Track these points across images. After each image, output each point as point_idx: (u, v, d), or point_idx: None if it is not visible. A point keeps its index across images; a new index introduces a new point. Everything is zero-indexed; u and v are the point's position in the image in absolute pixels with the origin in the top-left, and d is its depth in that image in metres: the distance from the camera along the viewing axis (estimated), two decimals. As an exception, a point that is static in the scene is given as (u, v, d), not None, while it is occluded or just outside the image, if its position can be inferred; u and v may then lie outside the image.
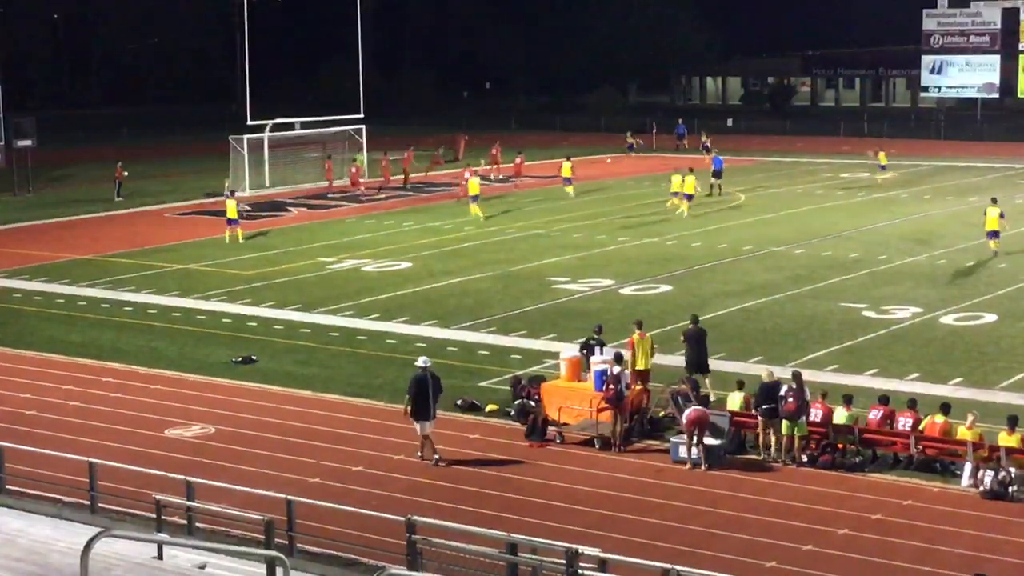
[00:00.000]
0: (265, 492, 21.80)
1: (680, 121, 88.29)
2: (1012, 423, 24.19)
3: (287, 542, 20.17)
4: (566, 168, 62.44)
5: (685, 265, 44.67)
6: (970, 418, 24.48)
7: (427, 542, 19.13)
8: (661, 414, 27.21)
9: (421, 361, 26.00)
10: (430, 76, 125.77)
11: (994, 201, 46.90)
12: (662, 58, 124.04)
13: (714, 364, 30.87)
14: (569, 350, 29.51)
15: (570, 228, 53.15)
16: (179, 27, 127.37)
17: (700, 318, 30.68)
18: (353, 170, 65.87)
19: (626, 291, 40.55)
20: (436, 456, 25.41)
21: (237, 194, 55.13)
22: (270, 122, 68.40)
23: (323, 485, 24.04)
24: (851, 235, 49.37)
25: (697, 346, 29.51)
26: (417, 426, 25.58)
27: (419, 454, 25.64)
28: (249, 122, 67.62)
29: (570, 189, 62.06)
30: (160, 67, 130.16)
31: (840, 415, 25.44)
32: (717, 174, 61.87)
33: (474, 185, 56.10)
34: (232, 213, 50.37)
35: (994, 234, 45.45)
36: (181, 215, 60.15)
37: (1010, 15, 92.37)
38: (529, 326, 36.09)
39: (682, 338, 30.02)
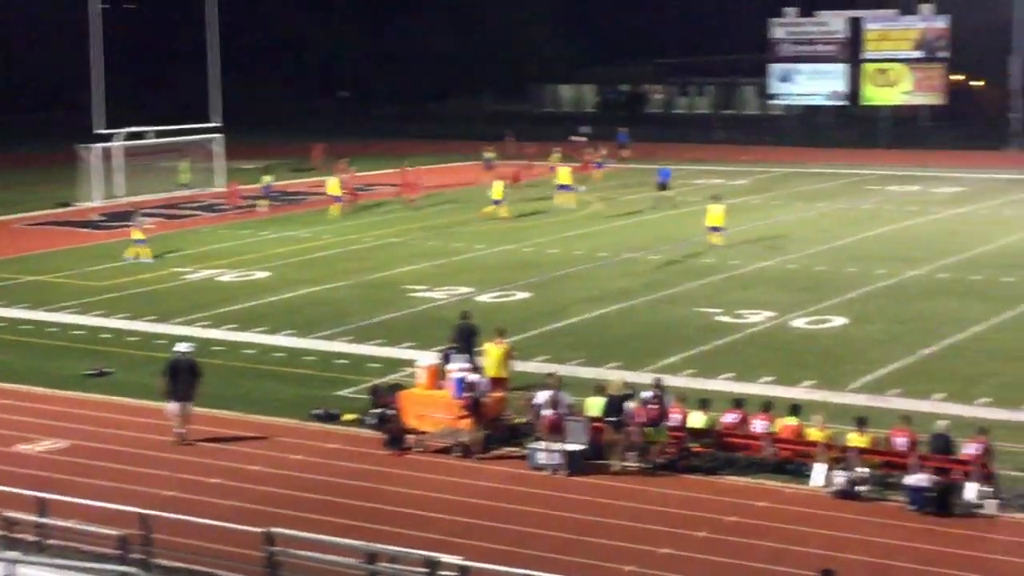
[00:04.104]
0: (120, 507, 21.42)
1: (623, 129, 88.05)
2: (861, 424, 24.77)
3: (143, 557, 19.86)
4: (563, 173, 61.25)
5: (542, 272, 44.93)
6: (818, 419, 25.02)
7: (286, 554, 18.99)
8: (520, 421, 27.31)
9: (182, 346, 27.89)
10: (287, 84, 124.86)
11: (716, 199, 50.17)
12: (517, 66, 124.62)
13: (572, 370, 31.11)
14: (427, 358, 29.52)
15: (427, 236, 53.16)
16: (27, 33, 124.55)
17: (562, 323, 30.85)
18: (347, 176, 63.12)
19: (484, 298, 40.67)
20: (182, 432, 27.01)
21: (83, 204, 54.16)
22: (123, 131, 67.31)
23: (180, 498, 23.73)
24: (705, 241, 50.01)
25: (465, 342, 29.68)
26: (169, 406, 27.17)
27: (177, 432, 26.93)
28: (101, 131, 66.44)
29: (571, 197, 60.62)
30: (4, 74, 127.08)
31: (697, 419, 25.78)
32: (662, 186, 60.71)
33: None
34: (138, 235, 48.64)
35: (716, 229, 48.27)
36: (31, 226, 58.94)
37: (854, 24, 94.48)
38: (387, 334, 36.03)
39: (452, 334, 30.20)
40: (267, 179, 63.22)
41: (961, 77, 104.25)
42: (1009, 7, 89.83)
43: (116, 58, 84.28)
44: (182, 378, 27.25)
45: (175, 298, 41.65)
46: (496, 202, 56.67)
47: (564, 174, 61.15)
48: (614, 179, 69.11)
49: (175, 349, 28.01)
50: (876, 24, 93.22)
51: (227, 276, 45.18)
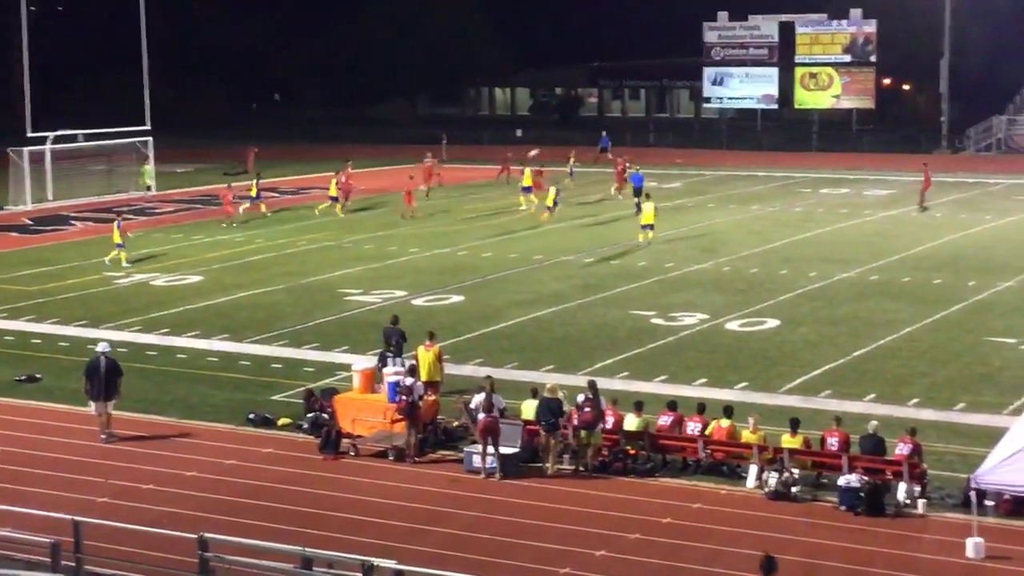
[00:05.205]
0: (51, 513, 21.22)
1: (604, 133, 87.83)
2: (794, 425, 24.99)
3: (75, 564, 19.69)
4: (527, 175, 61.16)
5: (476, 275, 44.95)
6: (751, 421, 25.21)
7: (220, 559, 18.89)
8: (455, 424, 27.33)
9: (100, 347, 28.33)
10: (219, 87, 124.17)
11: (648, 197, 51.91)
12: (452, 69, 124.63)
13: (506, 373, 31.16)
14: (362, 362, 29.47)
15: (361, 240, 53.04)
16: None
17: (497, 327, 30.91)
18: (343, 178, 62.03)
19: (418, 302, 40.64)
20: (108, 433, 27.48)
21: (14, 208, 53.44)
22: (52, 134, 66.69)
23: (112, 504, 23.55)
24: (639, 243, 50.20)
25: (395, 347, 30.05)
26: (92, 406, 27.68)
27: (102, 436, 27.28)
28: (30, 134, 65.75)
29: (534, 199, 60.13)
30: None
31: (631, 422, 25.89)
32: (638, 192, 58.48)
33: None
34: (118, 238, 48.10)
35: (649, 227, 49.75)
36: (-44, 230, 58.26)
37: (786, 28, 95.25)
38: (322, 338, 35.92)
39: (382, 338, 30.81)
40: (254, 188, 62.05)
41: (890, 81, 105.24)
42: (940, 11, 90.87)
43: (47, 61, 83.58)
44: (103, 377, 27.49)
45: (107, 303, 41.31)
46: (549, 208, 56.40)
47: (528, 176, 61.30)
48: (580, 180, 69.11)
49: (96, 349, 28.34)
50: (807, 28, 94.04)
51: (160, 280, 44.87)
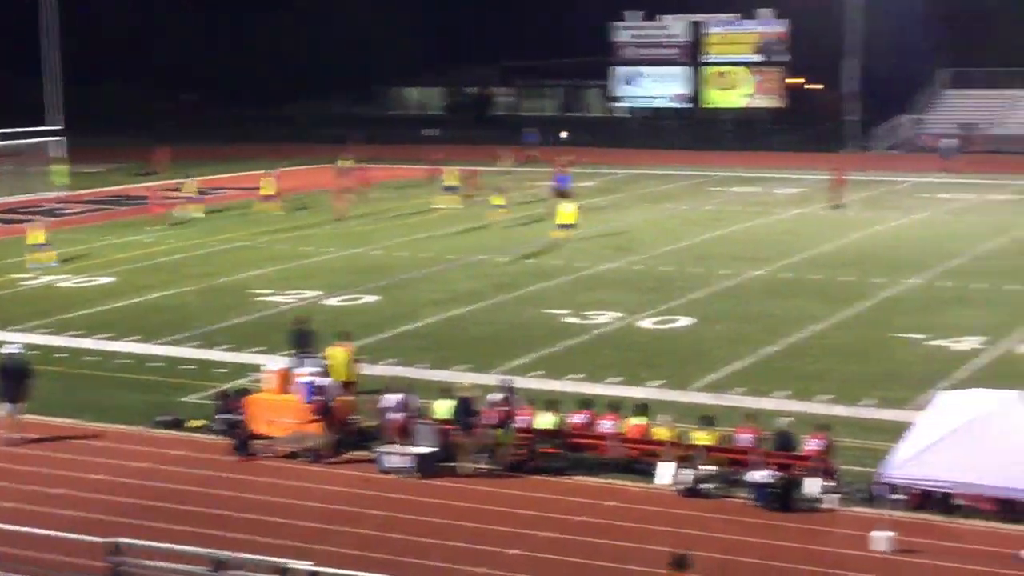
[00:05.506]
0: (-42, 520, 20.95)
1: (529, 130, 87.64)
2: (707, 422, 25.19)
3: (-17, 570, 19.47)
4: (449, 175, 62.47)
5: (391, 275, 44.87)
6: (667, 419, 25.38)
7: (132, 564, 18.72)
8: (369, 425, 27.24)
9: (12, 347, 28.27)
10: (133, 87, 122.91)
11: (568, 197, 54.41)
12: (365, 68, 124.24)
13: (421, 373, 31.14)
14: (275, 362, 29.30)
15: (274, 240, 52.76)
16: None
17: (412, 326, 30.80)
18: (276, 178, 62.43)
19: (331, 302, 40.49)
20: (19, 435, 27.03)
21: None
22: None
23: (20, 509, 23.23)
24: (553, 242, 50.37)
25: (303, 347, 30.14)
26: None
27: (9, 438, 26.90)
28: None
29: (457, 198, 61.40)
30: None
31: (545, 420, 25.95)
32: (563, 194, 57.63)
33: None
34: (41, 238, 47.45)
35: (569, 226, 50.20)
36: None
37: (696, 28, 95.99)
38: (234, 339, 35.68)
39: (289, 339, 31.03)
40: (191, 185, 61.80)
41: (801, 80, 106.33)
42: (849, 11, 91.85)
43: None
44: (12, 379, 27.18)
45: (12, 305, 40.76)
46: (502, 206, 56.73)
47: (451, 175, 61.84)
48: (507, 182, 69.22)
49: (3, 350, 27.99)
50: (717, 28, 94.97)
51: (69, 282, 44.33)
